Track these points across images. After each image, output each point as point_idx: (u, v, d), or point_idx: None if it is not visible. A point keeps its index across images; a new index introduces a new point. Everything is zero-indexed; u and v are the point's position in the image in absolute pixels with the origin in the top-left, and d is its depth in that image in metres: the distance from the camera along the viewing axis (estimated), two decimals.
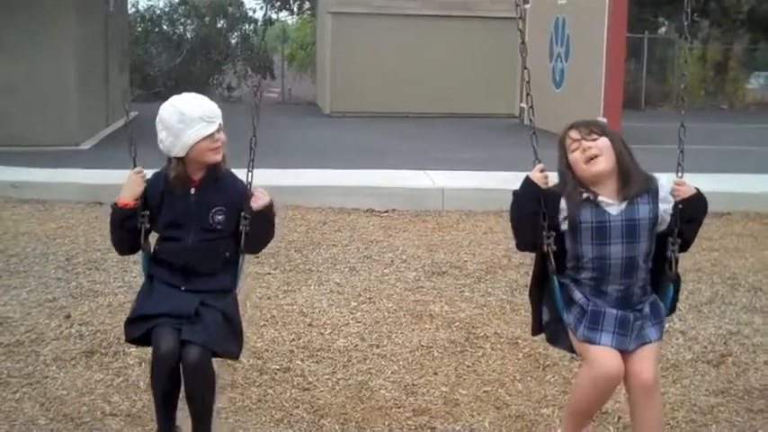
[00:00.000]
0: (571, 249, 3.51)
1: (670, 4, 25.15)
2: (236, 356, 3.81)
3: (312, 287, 6.52)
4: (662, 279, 3.54)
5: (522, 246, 3.64)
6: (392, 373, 4.89)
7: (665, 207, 3.50)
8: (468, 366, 5.02)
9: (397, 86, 20.52)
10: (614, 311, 3.41)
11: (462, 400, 4.55)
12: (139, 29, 26.98)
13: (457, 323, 5.75)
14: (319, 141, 15.36)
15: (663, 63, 26.37)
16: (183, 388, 3.62)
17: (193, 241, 3.68)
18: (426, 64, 20.61)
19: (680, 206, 3.50)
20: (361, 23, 20.63)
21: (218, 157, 3.67)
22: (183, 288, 3.66)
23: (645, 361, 3.38)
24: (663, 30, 29.12)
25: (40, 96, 13.32)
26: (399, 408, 4.44)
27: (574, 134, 3.51)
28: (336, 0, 20.96)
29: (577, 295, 3.47)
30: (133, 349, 5.10)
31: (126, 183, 3.71)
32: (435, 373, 4.89)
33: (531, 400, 4.55)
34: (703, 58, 27.65)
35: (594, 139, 3.46)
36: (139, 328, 3.61)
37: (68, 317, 5.71)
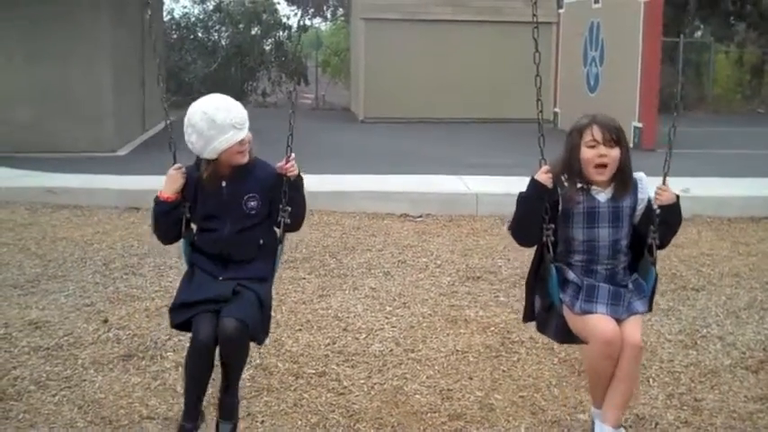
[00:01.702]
0: (563, 234, 3.81)
1: (706, 7, 24.93)
2: (260, 342, 3.93)
3: (347, 292, 6.54)
4: (642, 262, 3.87)
5: (524, 242, 3.89)
6: (427, 377, 4.89)
7: (642, 196, 3.81)
8: (503, 371, 5.00)
9: (430, 92, 20.49)
10: (607, 285, 3.76)
11: (498, 405, 4.54)
12: (175, 36, 27.17)
13: (492, 328, 5.73)
14: (353, 147, 15.38)
15: (698, 67, 26.12)
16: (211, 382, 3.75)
17: (230, 231, 3.85)
18: (460, 69, 20.57)
19: (658, 210, 3.78)
20: (395, 29, 20.63)
21: (246, 159, 3.86)
22: (220, 278, 3.82)
23: (635, 327, 3.72)
24: (699, 33, 28.84)
25: (76, 103, 13.47)
26: (435, 412, 4.44)
27: (597, 134, 3.70)
28: (370, 6, 20.98)
29: (571, 275, 3.78)
30: (170, 353, 5.15)
31: (166, 178, 3.89)
32: (470, 378, 4.88)
33: (567, 405, 4.53)
34: (740, 61, 27.36)
35: (612, 147, 3.69)
36: (181, 315, 3.78)
37: (106, 321, 5.76)
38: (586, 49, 17.58)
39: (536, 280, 3.91)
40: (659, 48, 15.50)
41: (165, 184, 3.88)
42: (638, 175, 3.83)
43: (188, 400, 3.80)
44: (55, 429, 4.20)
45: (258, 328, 3.78)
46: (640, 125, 14.82)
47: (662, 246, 3.85)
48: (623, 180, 3.75)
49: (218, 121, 3.74)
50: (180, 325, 3.83)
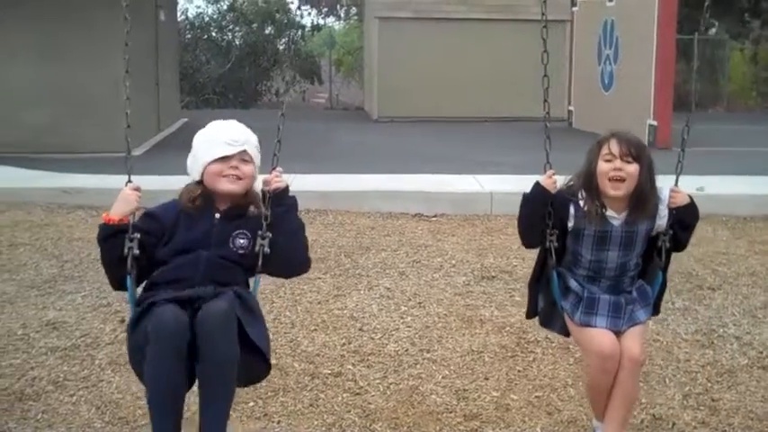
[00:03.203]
0: (571, 247, 3.78)
1: (721, 4, 24.81)
2: (258, 339, 3.18)
3: (362, 292, 6.54)
4: (650, 266, 3.82)
5: (526, 242, 3.85)
6: (443, 377, 4.89)
7: (661, 222, 3.73)
8: (519, 371, 5.00)
9: (444, 91, 20.48)
10: (608, 297, 3.70)
11: (514, 405, 4.54)
12: (189, 36, 27.26)
13: (507, 328, 5.73)
14: (367, 146, 15.38)
15: (713, 64, 26.02)
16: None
17: (208, 258, 3.29)
18: (473, 68, 20.56)
19: (674, 212, 3.72)
20: (408, 28, 20.62)
21: (233, 187, 3.35)
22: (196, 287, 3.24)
23: (635, 340, 3.66)
24: (713, 30, 28.73)
25: (91, 104, 13.51)
26: (450, 413, 4.44)
27: (614, 147, 3.62)
28: (383, 5, 20.98)
29: (573, 284, 3.75)
30: None
31: (120, 196, 3.41)
32: (486, 378, 4.88)
33: (584, 405, 4.51)
34: (755, 58, 27.24)
35: (629, 162, 3.60)
36: (146, 298, 3.20)
37: (123, 321, 5.77)
38: (601, 47, 17.54)
39: (539, 282, 3.91)
40: (674, 45, 15.46)
41: (116, 202, 3.37)
42: (662, 195, 3.71)
43: (158, 421, 3.04)
44: (72, 429, 4.22)
45: (250, 322, 3.16)
46: (655, 123, 14.77)
47: (681, 247, 3.82)
48: (640, 202, 3.64)
49: (211, 135, 3.43)
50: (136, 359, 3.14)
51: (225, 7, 28.65)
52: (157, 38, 16.35)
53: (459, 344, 5.43)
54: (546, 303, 3.93)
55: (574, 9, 19.21)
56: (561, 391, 4.71)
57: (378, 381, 4.83)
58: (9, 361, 5.05)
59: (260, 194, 3.43)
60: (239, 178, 3.36)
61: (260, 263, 3.33)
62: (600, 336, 3.63)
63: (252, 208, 3.43)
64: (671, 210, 3.71)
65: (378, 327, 5.74)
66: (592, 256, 3.71)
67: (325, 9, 33.36)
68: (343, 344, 5.41)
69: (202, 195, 3.39)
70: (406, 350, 5.32)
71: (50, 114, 13.36)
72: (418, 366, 5.06)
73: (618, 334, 3.66)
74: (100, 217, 3.41)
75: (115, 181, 11.15)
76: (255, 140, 3.48)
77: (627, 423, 3.80)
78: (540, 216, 3.71)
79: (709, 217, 9.05)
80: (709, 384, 4.83)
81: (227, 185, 3.34)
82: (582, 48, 18.66)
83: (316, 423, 4.32)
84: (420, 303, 6.26)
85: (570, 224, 3.71)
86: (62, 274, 6.96)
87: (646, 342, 3.99)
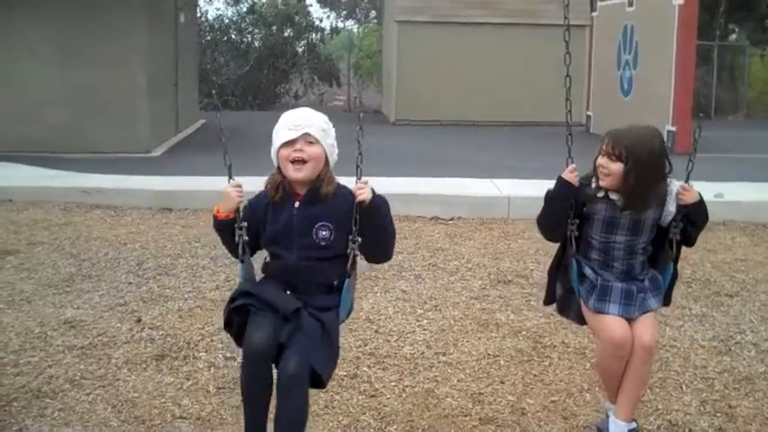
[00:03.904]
0: (584, 232, 3.94)
1: (741, 10, 24.70)
2: (329, 373, 3.50)
3: (378, 294, 6.54)
4: (661, 256, 3.95)
5: (549, 236, 4.04)
6: (458, 381, 4.88)
7: (669, 211, 3.86)
8: (535, 376, 4.98)
9: (462, 94, 20.47)
10: (620, 285, 3.85)
11: (529, 409, 4.52)
12: (208, 38, 27.35)
13: (523, 332, 5.72)
14: (384, 149, 15.36)
15: (733, 71, 25.89)
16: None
17: (296, 260, 3.51)
18: (491, 72, 20.54)
19: (683, 209, 3.85)
20: (427, 32, 20.62)
21: (299, 175, 3.52)
22: (288, 292, 3.52)
23: (647, 327, 3.82)
24: (733, 37, 28.59)
25: (111, 105, 13.59)
26: (466, 416, 4.43)
27: (604, 143, 3.80)
28: (402, 9, 20.99)
29: (588, 271, 3.90)
30: (203, 353, 5.18)
31: (223, 194, 3.60)
32: (502, 382, 4.87)
33: (599, 411, 4.49)
34: None
35: (612, 160, 3.75)
36: (239, 301, 3.47)
37: (139, 321, 5.81)
38: (620, 53, 17.48)
39: (558, 269, 4.08)
40: (694, 51, 15.38)
41: (223, 200, 3.59)
42: (671, 188, 3.87)
43: (248, 427, 3.43)
44: (89, 428, 4.24)
45: (321, 358, 3.39)
46: (674, 129, 14.70)
47: (690, 242, 3.96)
48: (631, 199, 3.78)
49: (278, 125, 3.58)
50: (231, 323, 3.51)
51: (244, 9, 28.74)
52: (177, 40, 16.42)
53: (474, 347, 5.42)
54: (563, 291, 4.07)
55: (593, 14, 19.16)
56: (577, 396, 4.69)
57: (393, 383, 4.83)
58: (27, 359, 5.08)
59: (343, 188, 3.64)
60: (304, 162, 3.51)
61: (349, 265, 3.58)
62: (612, 322, 3.79)
63: (327, 194, 3.57)
64: (679, 206, 3.84)
65: (394, 329, 5.74)
66: (601, 238, 3.88)
67: (344, 12, 33.41)
68: (359, 346, 5.41)
69: (282, 183, 3.56)
70: (422, 353, 5.32)
71: (69, 114, 13.45)
72: (434, 369, 5.05)
73: (630, 320, 3.82)
74: (210, 214, 3.68)
75: (133, 181, 11.31)
76: (321, 122, 3.60)
77: (637, 405, 4.04)
78: (563, 210, 3.88)
79: (728, 224, 9.01)
80: (727, 391, 4.80)
81: (292, 174, 3.52)
82: (601, 53, 18.60)
83: (331, 425, 4.32)
84: (436, 306, 6.26)
85: (585, 209, 3.89)
86: (80, 273, 7.00)
87: (658, 330, 4.19)
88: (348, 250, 3.54)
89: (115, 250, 7.76)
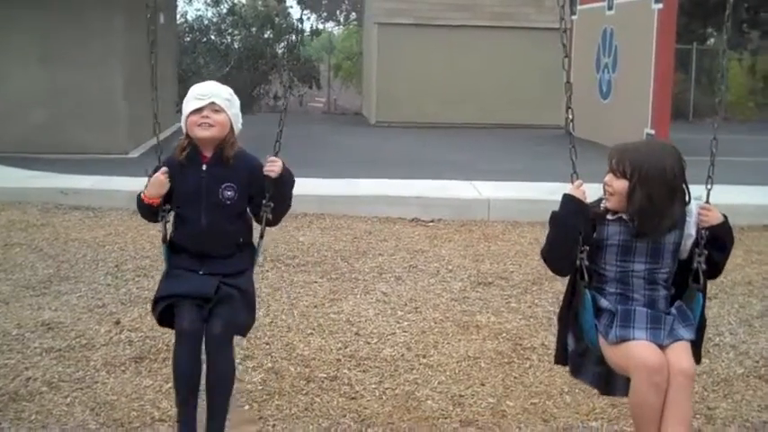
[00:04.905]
0: (596, 263, 3.52)
1: (719, 15, 24.85)
2: (248, 327, 3.91)
3: (358, 296, 6.53)
4: (687, 292, 3.53)
5: (558, 267, 3.58)
6: (439, 383, 4.88)
7: (689, 234, 3.50)
8: (515, 378, 4.99)
9: (442, 97, 20.49)
10: (644, 309, 3.41)
11: (509, 411, 4.53)
12: (188, 39, 27.24)
13: (504, 334, 5.72)
14: (364, 151, 15.38)
15: (711, 74, 26.04)
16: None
17: (206, 222, 3.82)
18: (472, 74, 20.58)
19: (706, 232, 3.49)
20: (408, 34, 20.64)
21: (206, 133, 3.82)
22: (201, 272, 3.81)
23: (682, 352, 3.33)
24: (712, 41, 28.77)
25: (89, 105, 13.50)
26: (446, 418, 4.43)
27: (612, 159, 3.49)
28: (383, 11, 21.00)
29: (604, 303, 3.45)
30: None
31: (152, 181, 3.89)
32: (482, 384, 4.87)
33: (580, 412, 4.51)
34: (753, 69, 27.27)
35: (616, 177, 3.45)
36: (162, 303, 3.76)
37: (118, 323, 5.77)
38: (599, 56, 17.55)
39: (569, 311, 3.58)
40: (672, 55, 15.46)
41: (150, 185, 3.89)
42: (689, 208, 3.52)
43: (180, 403, 3.74)
44: (67, 431, 4.21)
45: (242, 316, 3.80)
46: (653, 132, 14.77)
47: (716, 273, 3.58)
48: (640, 220, 3.40)
49: (189, 94, 3.90)
50: (164, 320, 3.81)
51: (224, 11, 28.64)
52: (156, 41, 16.32)
53: (455, 349, 5.42)
54: (576, 350, 3.61)
55: (573, 17, 19.22)
56: (557, 399, 4.70)
57: (373, 385, 4.82)
58: (4, 361, 5.04)
59: (247, 154, 3.95)
60: (211, 125, 3.83)
61: (263, 227, 3.95)
62: (643, 347, 3.29)
63: (230, 157, 3.87)
64: (703, 229, 3.49)
65: (374, 331, 5.73)
66: (617, 267, 3.47)
67: (324, 13, 33.40)
68: (339, 348, 5.40)
69: (190, 145, 3.90)
70: (402, 355, 5.31)
71: (48, 115, 13.35)
72: (414, 372, 5.05)
73: (660, 348, 3.33)
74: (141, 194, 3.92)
75: (112, 182, 11.21)
76: (225, 93, 3.91)
77: None
78: (574, 232, 3.43)
79: None
80: (705, 393, 4.82)
81: (200, 132, 3.84)
82: (581, 56, 18.67)
83: (311, 427, 4.31)
84: (416, 308, 6.25)
85: (595, 234, 3.49)
86: (58, 274, 6.94)
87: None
88: (262, 213, 3.88)
89: (94, 252, 7.71)
